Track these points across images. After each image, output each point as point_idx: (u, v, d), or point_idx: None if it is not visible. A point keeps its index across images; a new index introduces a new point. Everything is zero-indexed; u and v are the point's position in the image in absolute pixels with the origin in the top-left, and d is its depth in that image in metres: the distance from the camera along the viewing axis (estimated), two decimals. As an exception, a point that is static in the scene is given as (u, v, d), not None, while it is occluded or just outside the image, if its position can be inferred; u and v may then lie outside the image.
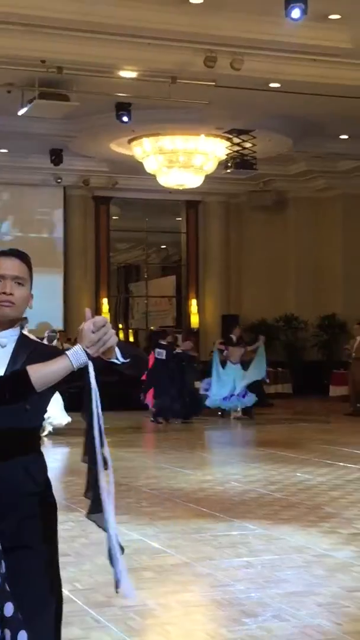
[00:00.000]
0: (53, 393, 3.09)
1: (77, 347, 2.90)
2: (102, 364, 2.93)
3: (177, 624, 4.76)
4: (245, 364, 17.76)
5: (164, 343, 17.53)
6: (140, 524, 7.28)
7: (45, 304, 23.34)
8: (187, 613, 4.98)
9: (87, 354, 2.87)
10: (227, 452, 12.82)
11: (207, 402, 17.63)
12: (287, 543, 6.64)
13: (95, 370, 2.90)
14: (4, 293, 3.08)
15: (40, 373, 2.89)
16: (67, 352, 2.92)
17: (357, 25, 13.47)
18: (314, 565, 5.98)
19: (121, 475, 10.01)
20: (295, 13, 12.03)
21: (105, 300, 24.17)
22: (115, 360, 2.94)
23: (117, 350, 2.93)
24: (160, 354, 17.14)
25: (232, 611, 4.94)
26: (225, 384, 17.47)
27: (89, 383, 2.90)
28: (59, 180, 22.65)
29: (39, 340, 3.51)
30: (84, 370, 2.90)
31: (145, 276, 26.84)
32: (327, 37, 13.74)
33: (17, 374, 2.94)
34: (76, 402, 3.53)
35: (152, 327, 26.43)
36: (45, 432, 13.88)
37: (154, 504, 8.28)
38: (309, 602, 5.05)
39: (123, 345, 2.98)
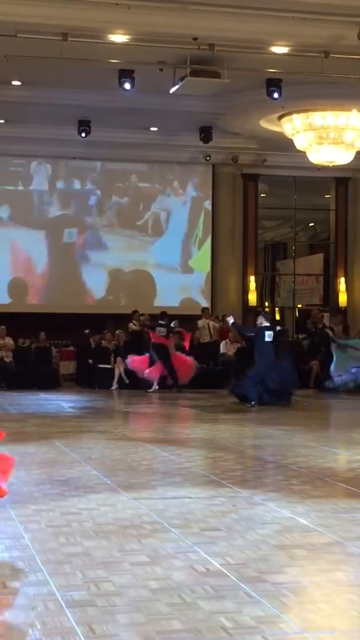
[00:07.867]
0: None
1: None
2: None
3: (331, 603, 4.73)
4: None
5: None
6: (291, 502, 7.27)
7: (193, 280, 23.59)
8: (340, 592, 4.94)
9: None
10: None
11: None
12: None
13: None
14: None
15: None
16: None
17: None
18: None
19: (269, 453, 10.02)
20: None
21: (252, 278, 24.13)
22: None
23: None
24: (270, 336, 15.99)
25: (387, 593, 4.88)
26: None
27: None
28: (208, 158, 22.71)
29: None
30: None
31: (293, 254, 26.63)
32: None
33: None
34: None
35: (299, 305, 26.32)
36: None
37: (304, 482, 8.24)
38: None
39: None
